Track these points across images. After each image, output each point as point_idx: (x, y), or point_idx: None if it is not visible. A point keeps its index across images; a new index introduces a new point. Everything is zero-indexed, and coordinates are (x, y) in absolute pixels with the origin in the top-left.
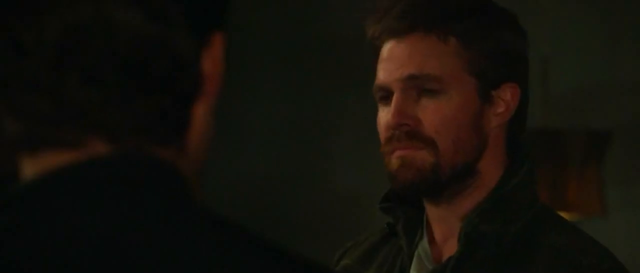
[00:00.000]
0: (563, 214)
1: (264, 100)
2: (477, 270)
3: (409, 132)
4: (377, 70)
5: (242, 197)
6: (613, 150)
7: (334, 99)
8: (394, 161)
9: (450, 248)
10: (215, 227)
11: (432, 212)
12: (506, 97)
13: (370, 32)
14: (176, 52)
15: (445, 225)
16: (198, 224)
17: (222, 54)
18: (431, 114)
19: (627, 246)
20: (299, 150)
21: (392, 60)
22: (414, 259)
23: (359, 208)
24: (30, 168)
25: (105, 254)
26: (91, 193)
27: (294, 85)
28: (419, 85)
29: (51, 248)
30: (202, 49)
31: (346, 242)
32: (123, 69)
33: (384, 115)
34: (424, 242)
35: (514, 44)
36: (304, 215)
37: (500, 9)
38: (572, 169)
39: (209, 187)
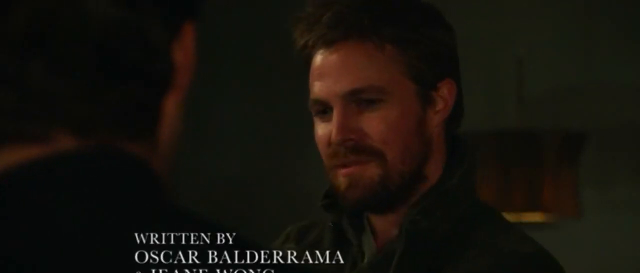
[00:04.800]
0: (538, 215)
1: (238, 100)
2: (418, 263)
3: (354, 146)
4: (310, 81)
5: (215, 197)
6: (588, 152)
7: (307, 99)
8: (341, 180)
9: (391, 239)
10: (188, 226)
11: (375, 216)
12: (444, 94)
13: (301, 41)
14: (148, 41)
15: (387, 223)
16: (170, 222)
17: (194, 45)
18: (376, 125)
19: (601, 247)
20: (272, 151)
21: (327, 73)
22: (365, 251)
23: None
24: None
25: (66, 253)
26: (54, 190)
27: (267, 85)
28: (360, 97)
29: (12, 247)
30: (174, 39)
31: (298, 222)
32: (92, 59)
33: (323, 130)
34: (368, 234)
35: (445, 40)
36: (277, 215)
37: (426, 6)
38: (547, 170)
39: (183, 187)
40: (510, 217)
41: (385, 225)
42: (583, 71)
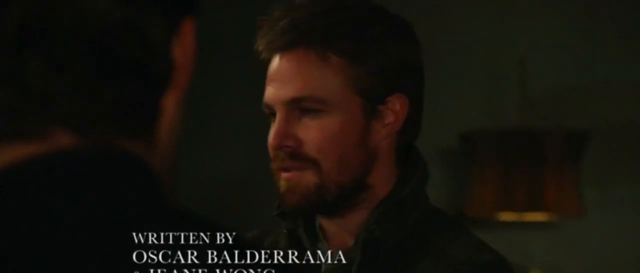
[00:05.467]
0: (540, 215)
1: (238, 100)
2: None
3: (291, 153)
4: (266, 84)
5: (215, 196)
6: (590, 151)
7: None
8: (281, 183)
9: (345, 246)
10: (188, 225)
11: (326, 222)
12: (394, 107)
13: (258, 45)
14: (147, 39)
15: (340, 230)
16: (169, 222)
17: (193, 42)
18: (313, 134)
19: (603, 246)
20: None
21: (276, 79)
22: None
23: None
24: None
25: (64, 252)
26: (52, 189)
27: None
28: (301, 105)
29: (9, 245)
30: (173, 37)
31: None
32: (90, 56)
33: (271, 133)
34: (323, 242)
35: (402, 55)
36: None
37: (389, 18)
38: (549, 170)
39: (183, 187)
40: (512, 216)
41: (336, 230)
42: (585, 71)
